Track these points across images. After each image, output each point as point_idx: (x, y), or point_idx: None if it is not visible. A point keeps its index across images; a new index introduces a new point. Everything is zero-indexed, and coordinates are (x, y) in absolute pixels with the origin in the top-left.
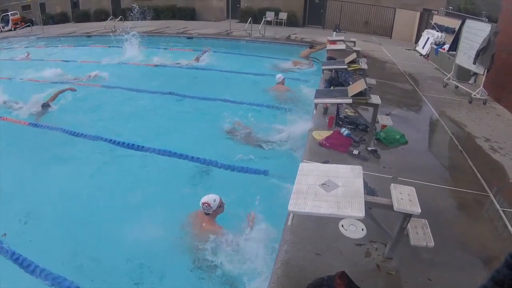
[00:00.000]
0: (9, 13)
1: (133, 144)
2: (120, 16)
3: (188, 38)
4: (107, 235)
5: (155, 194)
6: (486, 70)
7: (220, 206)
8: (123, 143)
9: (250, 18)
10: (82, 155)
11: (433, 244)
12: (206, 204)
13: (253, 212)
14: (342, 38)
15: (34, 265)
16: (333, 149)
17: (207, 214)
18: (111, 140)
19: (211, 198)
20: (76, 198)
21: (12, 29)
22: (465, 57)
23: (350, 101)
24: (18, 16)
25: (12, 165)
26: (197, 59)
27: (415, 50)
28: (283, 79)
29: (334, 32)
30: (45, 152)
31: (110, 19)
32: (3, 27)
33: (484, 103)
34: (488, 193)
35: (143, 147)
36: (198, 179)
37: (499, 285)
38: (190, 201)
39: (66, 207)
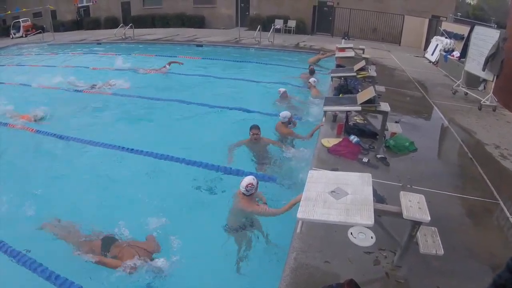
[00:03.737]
0: (20, 20)
1: (147, 151)
2: (130, 24)
3: (198, 45)
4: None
5: (164, 199)
6: (495, 77)
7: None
8: (133, 149)
9: (259, 26)
10: (93, 161)
11: (442, 252)
12: (250, 185)
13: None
14: (351, 45)
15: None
16: (342, 157)
17: (249, 195)
18: (120, 146)
19: (245, 182)
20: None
21: (23, 35)
22: (474, 63)
23: (359, 108)
24: (29, 23)
25: (22, 171)
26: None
27: (424, 57)
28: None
29: (343, 40)
30: (53, 160)
31: (120, 27)
32: (14, 34)
33: (494, 110)
34: (498, 200)
35: (156, 153)
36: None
37: None
38: (199, 206)
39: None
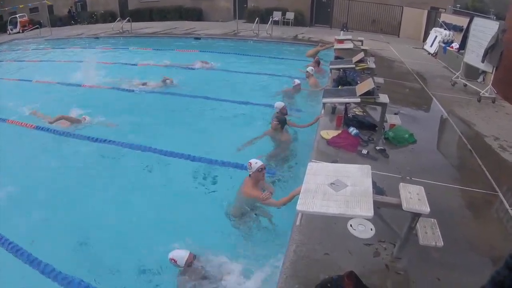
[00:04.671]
0: (17, 16)
1: (149, 147)
2: (128, 18)
3: (196, 38)
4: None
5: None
6: (494, 68)
7: (260, 171)
8: (133, 144)
9: (257, 18)
10: (94, 158)
11: (442, 244)
12: (248, 164)
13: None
14: (349, 37)
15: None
16: (341, 149)
17: (249, 176)
18: (120, 142)
19: (254, 160)
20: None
21: (21, 31)
22: (473, 55)
23: (358, 100)
24: (26, 18)
25: (23, 168)
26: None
27: (423, 48)
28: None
29: (342, 31)
30: (56, 156)
31: (118, 21)
32: (11, 30)
33: (493, 102)
34: (498, 192)
35: (159, 149)
36: (204, 179)
37: (499, 286)
38: (200, 199)
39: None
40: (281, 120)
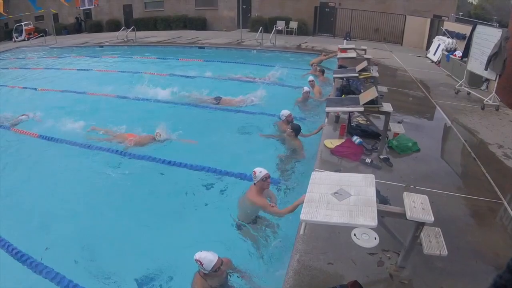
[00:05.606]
0: (22, 24)
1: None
2: (132, 26)
3: (200, 48)
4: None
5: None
6: (498, 76)
7: (264, 180)
8: (135, 155)
9: (261, 28)
10: (97, 166)
11: (446, 253)
12: (253, 173)
13: None
14: (352, 46)
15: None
16: (345, 158)
17: (254, 184)
18: (120, 151)
19: (258, 169)
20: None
21: (26, 39)
22: (476, 63)
23: (361, 109)
24: (31, 26)
25: (28, 176)
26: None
27: (426, 57)
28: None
29: (345, 40)
30: (59, 164)
31: (123, 29)
32: (16, 37)
33: (497, 109)
34: (502, 200)
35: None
36: (209, 187)
37: None
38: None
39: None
40: (295, 128)
